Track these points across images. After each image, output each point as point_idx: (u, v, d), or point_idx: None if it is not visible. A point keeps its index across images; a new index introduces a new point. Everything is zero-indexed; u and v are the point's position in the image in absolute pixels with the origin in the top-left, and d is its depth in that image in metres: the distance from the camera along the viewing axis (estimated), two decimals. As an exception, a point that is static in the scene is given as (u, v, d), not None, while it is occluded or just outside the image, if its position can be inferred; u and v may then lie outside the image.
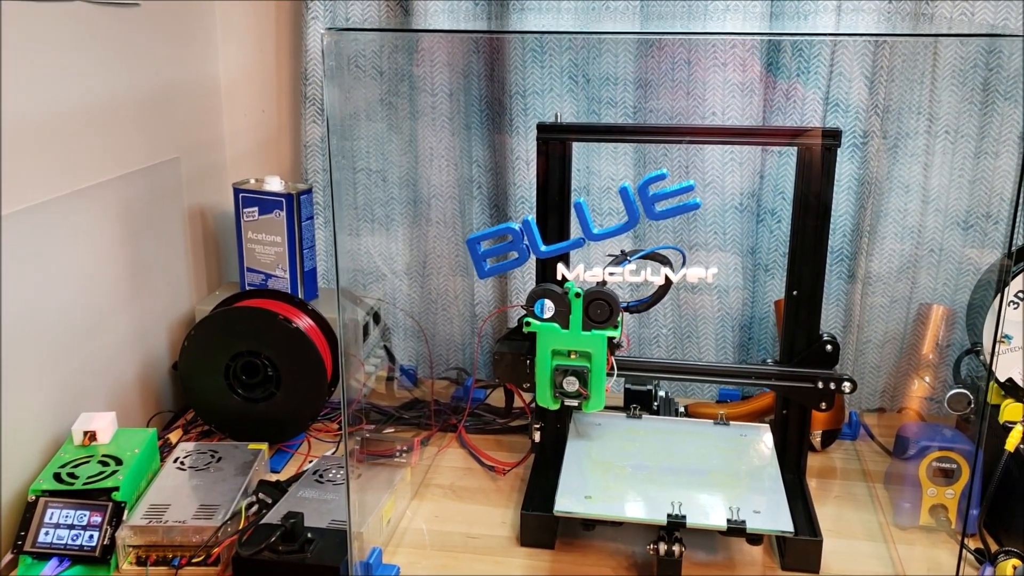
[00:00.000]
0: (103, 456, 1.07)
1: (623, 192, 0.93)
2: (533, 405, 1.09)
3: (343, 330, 0.97)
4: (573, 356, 1.00)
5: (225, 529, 1.00)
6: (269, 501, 1.05)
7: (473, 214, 1.42)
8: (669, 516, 0.95)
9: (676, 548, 0.94)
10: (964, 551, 0.99)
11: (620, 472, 1.06)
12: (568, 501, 1.00)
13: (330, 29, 0.86)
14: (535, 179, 1.10)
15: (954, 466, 1.04)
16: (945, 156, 1.25)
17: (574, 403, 1.01)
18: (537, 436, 1.15)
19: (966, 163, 1.25)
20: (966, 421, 1.15)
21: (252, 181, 1.36)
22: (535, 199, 1.10)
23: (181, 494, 1.06)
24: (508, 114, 1.34)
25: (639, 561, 1.01)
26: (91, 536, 0.98)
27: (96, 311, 1.18)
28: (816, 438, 1.24)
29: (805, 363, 1.07)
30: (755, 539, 0.99)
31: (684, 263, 0.98)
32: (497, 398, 1.36)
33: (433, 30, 1.40)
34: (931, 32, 1.24)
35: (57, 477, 1.02)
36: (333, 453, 1.22)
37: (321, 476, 1.11)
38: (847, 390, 1.05)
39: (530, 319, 1.00)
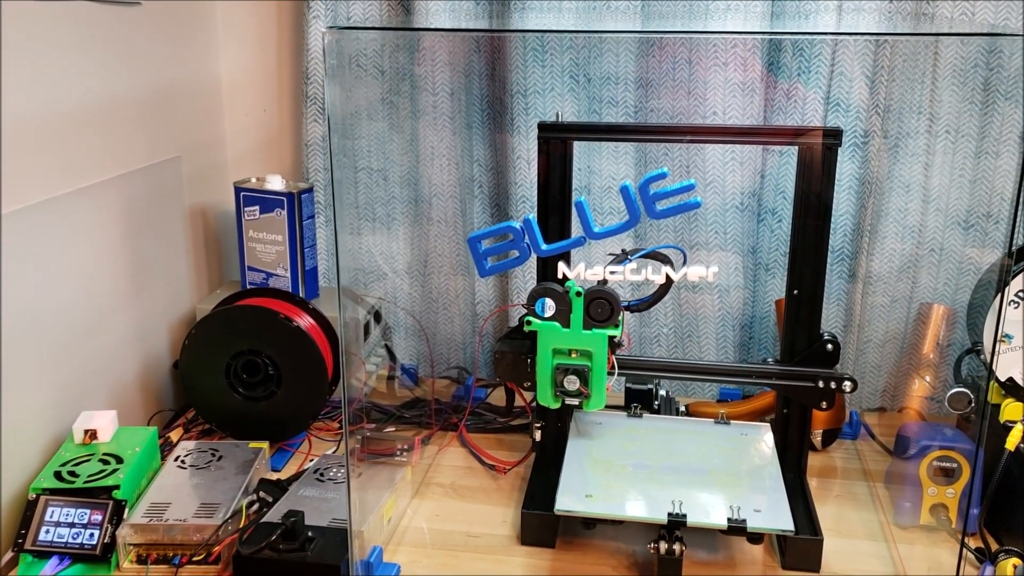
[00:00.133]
0: (104, 454, 1.07)
1: (624, 191, 0.93)
2: (534, 404, 1.09)
3: (344, 329, 0.97)
4: (574, 355, 1.00)
5: (226, 528, 1.00)
6: (270, 500, 1.05)
7: (474, 213, 1.42)
8: (670, 515, 0.95)
9: (677, 547, 0.94)
10: (964, 550, 0.99)
11: (621, 471, 1.06)
12: (569, 500, 1.00)
13: (331, 28, 0.86)
14: (536, 178, 1.10)
15: (955, 465, 1.04)
16: (946, 156, 1.26)
17: (575, 402, 1.01)
18: (538, 435, 1.15)
19: (967, 163, 1.25)
20: (967, 420, 1.15)
21: (253, 180, 1.36)
22: (536, 198, 1.11)
23: (182, 492, 1.06)
24: (509, 113, 1.34)
25: (640, 560, 1.01)
26: (92, 534, 0.98)
27: (97, 310, 1.18)
28: (817, 437, 1.24)
29: (806, 362, 1.08)
30: (756, 538, 0.99)
31: (685, 262, 0.98)
32: (498, 397, 1.36)
33: (434, 29, 1.40)
34: (932, 31, 1.24)
35: (58, 475, 1.02)
36: (334, 452, 1.23)
37: (322, 475, 1.11)
38: (848, 389, 1.05)
39: (531, 318, 1.00)
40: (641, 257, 0.99)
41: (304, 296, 1.35)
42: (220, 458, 1.14)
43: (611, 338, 0.99)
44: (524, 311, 1.00)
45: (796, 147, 1.05)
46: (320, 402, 1.25)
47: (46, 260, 1.07)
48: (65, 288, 1.11)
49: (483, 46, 1.36)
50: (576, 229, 0.97)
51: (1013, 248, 1.02)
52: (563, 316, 0.99)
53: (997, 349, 1.05)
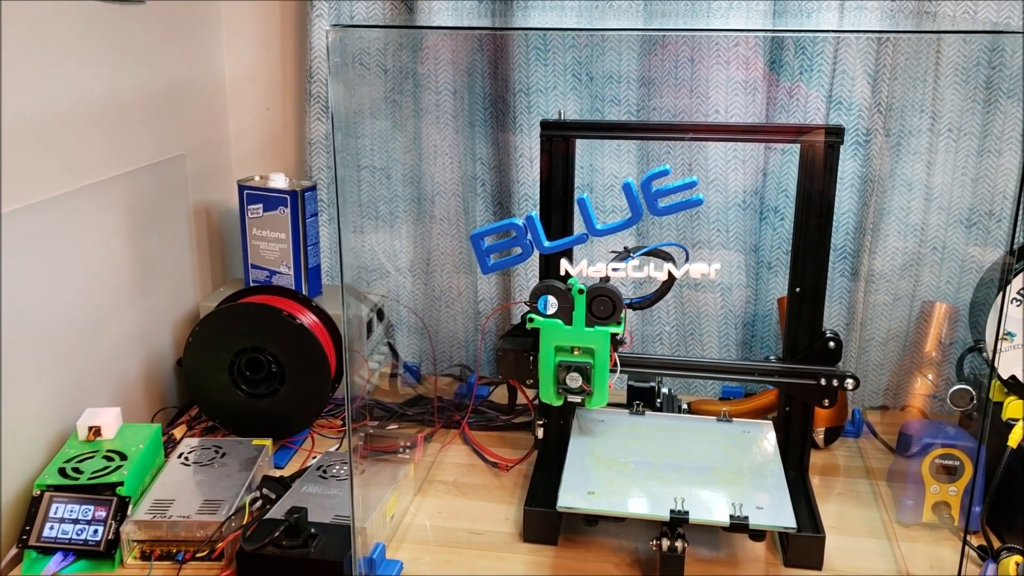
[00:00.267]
0: (108, 451, 1.07)
1: (626, 188, 0.93)
2: (536, 401, 1.09)
3: (347, 326, 0.98)
4: (576, 352, 1.00)
5: (229, 524, 1.00)
6: (273, 496, 1.06)
7: (477, 211, 1.42)
8: (672, 512, 0.95)
9: (679, 544, 0.94)
10: (967, 548, 0.99)
11: (623, 468, 1.06)
12: (571, 497, 1.00)
13: (335, 26, 0.86)
14: (539, 176, 1.11)
15: (957, 463, 1.04)
16: (948, 154, 1.25)
17: (577, 399, 1.02)
18: (540, 432, 1.15)
19: (969, 161, 1.25)
20: (969, 418, 1.15)
21: (257, 178, 1.36)
22: (538, 196, 1.11)
23: (185, 489, 1.06)
24: (512, 112, 1.34)
25: (642, 557, 1.01)
26: (96, 531, 0.99)
27: (101, 307, 1.18)
28: (819, 435, 1.24)
29: (808, 360, 1.08)
30: (758, 535, 0.99)
31: (687, 260, 0.98)
32: (500, 395, 1.37)
33: (437, 27, 1.40)
34: (934, 29, 1.24)
35: (62, 472, 1.03)
36: (337, 449, 1.23)
37: (325, 472, 1.11)
38: (850, 387, 1.05)
39: (533, 315, 1.00)
40: (643, 255, 0.99)
41: (307, 294, 1.35)
42: (223, 455, 1.14)
43: (613, 335, 0.99)
44: (526, 308, 1.01)
45: (798, 145, 1.05)
46: (323, 399, 1.25)
47: (51, 257, 1.08)
48: (69, 285, 1.12)
49: (486, 45, 1.36)
50: (578, 227, 0.97)
51: (1015, 246, 1.02)
52: (565, 313, 0.99)
53: (999, 347, 1.05)
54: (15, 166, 1.01)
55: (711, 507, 0.97)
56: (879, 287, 1.32)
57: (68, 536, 0.98)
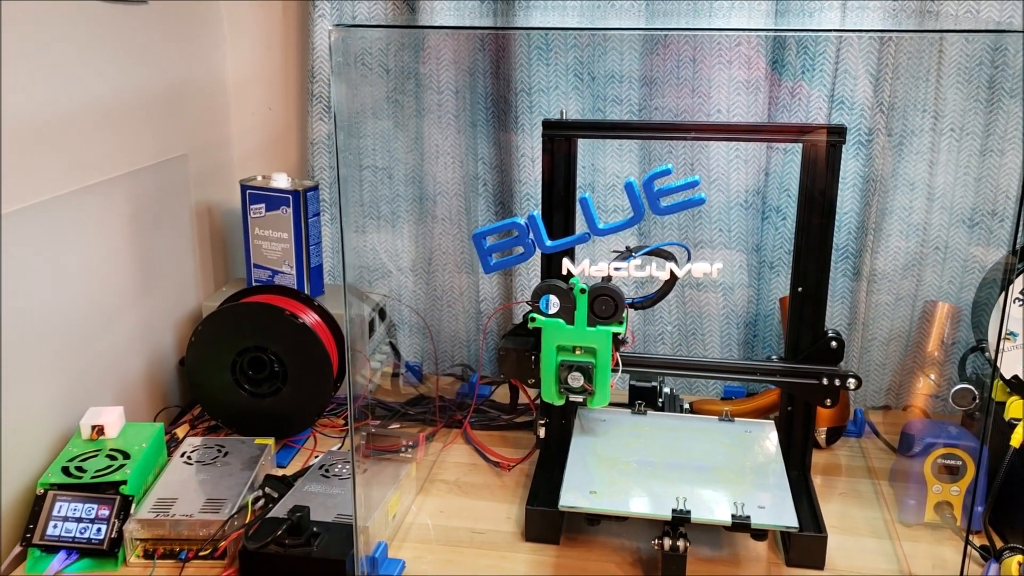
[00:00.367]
0: (111, 450, 1.07)
1: (628, 187, 0.93)
2: (538, 401, 1.09)
3: (349, 326, 0.98)
4: (578, 352, 1.00)
5: (232, 523, 1.00)
6: (275, 495, 1.06)
7: (479, 211, 1.42)
8: (674, 511, 0.95)
9: (681, 543, 0.94)
10: (969, 548, 0.99)
11: (625, 468, 1.06)
12: (573, 496, 1.00)
13: (338, 26, 0.87)
14: (540, 176, 1.11)
15: (959, 463, 1.04)
16: (950, 153, 1.25)
17: (579, 399, 1.02)
18: (542, 432, 1.15)
19: (971, 161, 1.25)
20: (971, 418, 1.15)
21: (259, 178, 1.36)
22: (540, 196, 1.11)
23: (188, 488, 1.07)
24: (514, 111, 1.34)
25: (644, 557, 1.01)
26: (99, 529, 0.99)
27: (104, 306, 1.19)
28: (821, 435, 1.24)
29: (810, 360, 1.08)
30: (760, 535, 0.99)
31: (689, 260, 0.98)
32: (502, 394, 1.37)
33: (439, 27, 1.40)
34: (936, 28, 1.24)
35: (65, 471, 1.03)
36: (339, 448, 1.23)
37: (327, 471, 1.11)
38: (852, 387, 1.05)
39: (535, 315, 1.00)
40: (645, 254, 0.99)
41: (309, 293, 1.36)
42: (226, 454, 1.15)
43: (615, 335, 0.99)
44: (528, 308, 1.01)
45: (800, 145, 1.05)
46: (325, 399, 1.25)
47: (53, 257, 1.08)
48: (72, 284, 1.12)
49: (488, 44, 1.36)
50: (580, 227, 0.97)
51: (1017, 246, 1.02)
52: (567, 313, 0.99)
53: (1001, 347, 1.05)
54: (17, 166, 1.01)
55: (713, 506, 0.97)
56: (881, 287, 1.31)
57: (71, 535, 0.98)
